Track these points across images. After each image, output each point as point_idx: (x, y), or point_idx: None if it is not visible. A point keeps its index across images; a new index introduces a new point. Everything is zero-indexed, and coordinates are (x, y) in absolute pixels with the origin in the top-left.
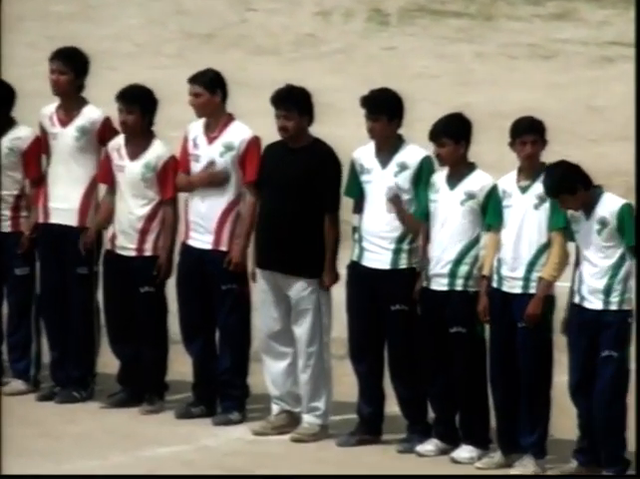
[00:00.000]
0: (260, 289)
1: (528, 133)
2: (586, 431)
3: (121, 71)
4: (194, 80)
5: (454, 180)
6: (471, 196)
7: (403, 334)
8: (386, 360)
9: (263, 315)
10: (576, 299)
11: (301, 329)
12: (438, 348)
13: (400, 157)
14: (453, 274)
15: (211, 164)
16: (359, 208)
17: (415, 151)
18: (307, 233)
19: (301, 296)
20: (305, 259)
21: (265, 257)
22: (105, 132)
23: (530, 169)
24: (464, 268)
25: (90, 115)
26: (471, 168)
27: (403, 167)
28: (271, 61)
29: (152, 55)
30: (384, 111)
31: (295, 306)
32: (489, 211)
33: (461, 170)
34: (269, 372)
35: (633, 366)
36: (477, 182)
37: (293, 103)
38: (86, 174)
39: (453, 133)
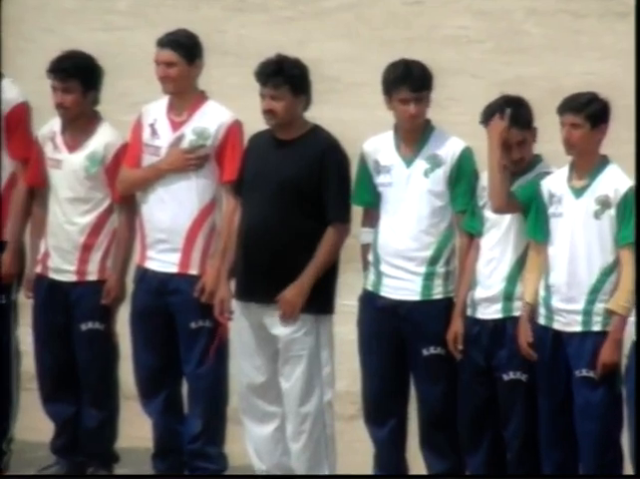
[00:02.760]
0: (239, 328)
1: (566, 112)
2: None
3: (58, 33)
4: (166, 43)
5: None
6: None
7: (440, 387)
8: (409, 420)
9: (243, 363)
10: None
11: (291, 383)
12: (486, 402)
13: (430, 149)
14: (508, 296)
15: (180, 139)
16: (370, 219)
17: (450, 141)
18: (303, 253)
19: (292, 338)
20: None
21: (246, 286)
22: (13, 122)
23: (584, 164)
24: (521, 288)
25: (7, 93)
26: (534, 161)
27: (435, 163)
28: (258, 21)
29: (99, 12)
30: (429, 87)
31: (284, 351)
32: (530, 220)
33: (521, 165)
34: (252, 439)
35: None
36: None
37: (284, 78)
38: (6, 173)
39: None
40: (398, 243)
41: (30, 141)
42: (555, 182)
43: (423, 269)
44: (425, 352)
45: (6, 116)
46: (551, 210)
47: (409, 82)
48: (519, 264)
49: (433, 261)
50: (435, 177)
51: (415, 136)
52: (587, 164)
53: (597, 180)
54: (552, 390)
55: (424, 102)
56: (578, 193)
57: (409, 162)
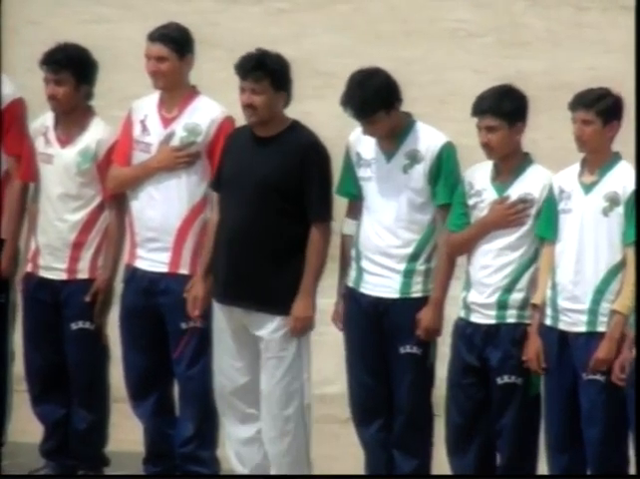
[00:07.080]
0: (219, 329)
1: (577, 108)
2: None
3: (44, 26)
4: (157, 37)
5: (503, 179)
6: (528, 200)
7: (413, 387)
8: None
9: (223, 365)
10: None
11: (271, 385)
12: (477, 403)
13: (410, 144)
14: (502, 305)
15: (170, 137)
16: (355, 211)
17: (430, 135)
18: (283, 254)
19: (272, 339)
20: (280, 290)
21: (227, 290)
22: (8, 117)
23: (595, 160)
24: (517, 296)
25: (3, 89)
26: (526, 161)
27: (415, 158)
28: (251, 13)
29: (87, 3)
30: (380, 108)
31: (264, 351)
32: (542, 217)
33: (512, 164)
34: (233, 442)
35: None
36: (536, 180)
37: (265, 73)
38: (2, 170)
39: (507, 111)
40: (378, 240)
41: (25, 137)
42: (566, 177)
43: (402, 266)
44: (401, 350)
45: (2, 112)
46: (561, 206)
47: (349, 109)
48: (516, 273)
49: (413, 258)
50: (414, 173)
51: (393, 131)
52: (598, 160)
53: (607, 176)
54: (559, 393)
55: (378, 122)
56: (588, 189)
57: (389, 156)
